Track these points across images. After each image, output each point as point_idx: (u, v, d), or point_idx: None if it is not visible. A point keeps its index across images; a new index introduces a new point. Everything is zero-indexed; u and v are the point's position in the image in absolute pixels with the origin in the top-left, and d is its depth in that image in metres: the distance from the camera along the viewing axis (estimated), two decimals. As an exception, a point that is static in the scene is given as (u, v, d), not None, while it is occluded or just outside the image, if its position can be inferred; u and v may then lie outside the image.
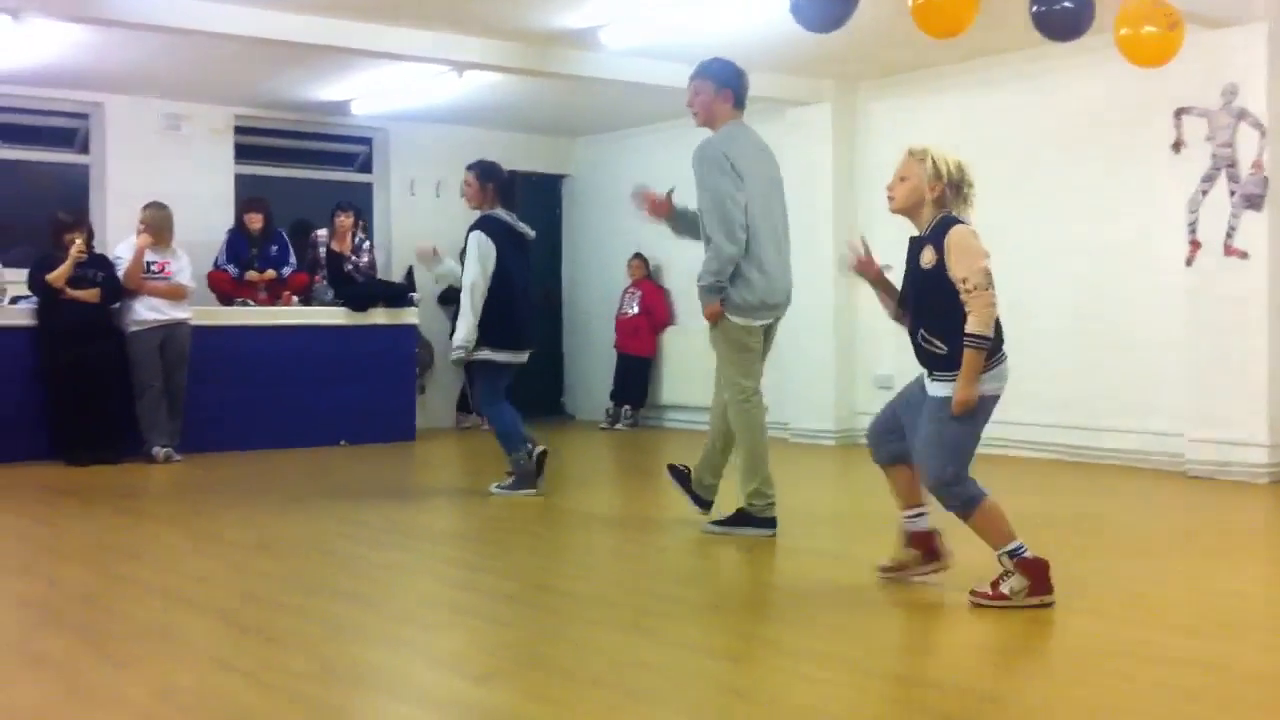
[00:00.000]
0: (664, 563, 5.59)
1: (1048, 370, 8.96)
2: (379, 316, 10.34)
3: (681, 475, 6.27)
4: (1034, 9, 6.24)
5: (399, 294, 10.66)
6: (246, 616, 4.42)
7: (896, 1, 6.01)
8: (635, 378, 11.87)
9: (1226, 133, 7.82)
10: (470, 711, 3.35)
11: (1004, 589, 4.36)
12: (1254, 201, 7.72)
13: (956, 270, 4.36)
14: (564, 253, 13.31)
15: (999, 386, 4.48)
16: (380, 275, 11.10)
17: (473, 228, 7.28)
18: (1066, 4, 6.19)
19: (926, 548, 4.75)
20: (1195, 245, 7.99)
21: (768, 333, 6.06)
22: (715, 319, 5.86)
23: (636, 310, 11.74)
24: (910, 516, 4.74)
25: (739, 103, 6.00)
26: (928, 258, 4.45)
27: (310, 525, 6.41)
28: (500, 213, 7.34)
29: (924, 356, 4.53)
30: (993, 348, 4.41)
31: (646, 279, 11.86)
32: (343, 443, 9.99)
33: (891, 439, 4.69)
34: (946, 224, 4.45)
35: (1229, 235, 7.82)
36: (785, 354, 10.63)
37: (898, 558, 4.80)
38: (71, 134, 10.84)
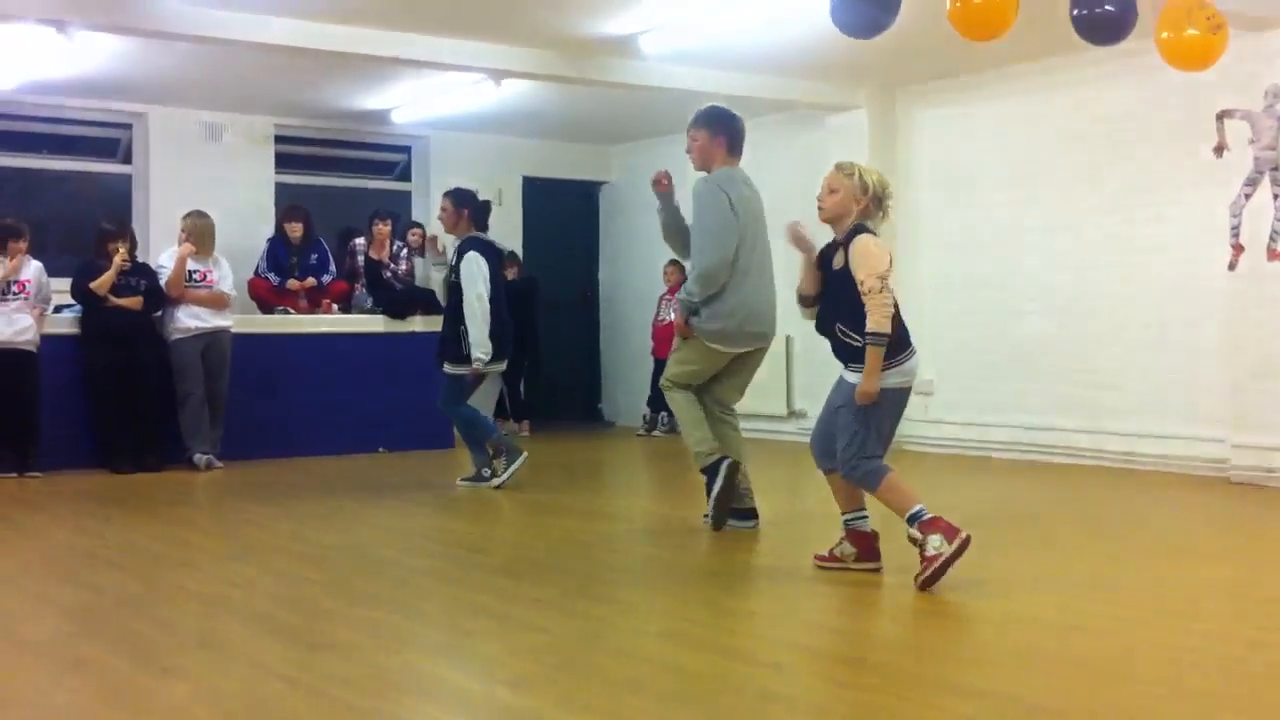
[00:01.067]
0: (700, 568, 5.59)
1: (1088, 375, 8.91)
2: (417, 324, 10.37)
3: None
4: (1075, 12, 6.19)
5: (437, 302, 10.69)
6: (289, 623, 4.45)
7: (934, 6, 5.99)
8: (673, 384, 11.85)
9: (1269, 135, 7.74)
10: (510, 717, 3.36)
11: (929, 551, 4.66)
12: (1298, 205, 7.64)
13: (857, 273, 4.82)
14: (601, 259, 13.33)
15: (906, 381, 4.95)
16: (419, 283, 11.13)
17: (462, 250, 7.72)
18: (1109, 7, 6.14)
19: (864, 546, 5.09)
20: (1238, 249, 7.92)
21: (748, 361, 6.32)
22: (683, 334, 6.18)
23: (674, 316, 11.72)
24: (852, 519, 5.09)
25: (733, 148, 6.29)
26: (839, 260, 4.94)
27: (351, 532, 6.45)
28: (479, 235, 7.84)
29: (842, 350, 5.00)
30: (897, 345, 4.86)
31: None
32: (382, 450, 10.04)
33: (831, 449, 5.04)
34: (857, 231, 4.89)
35: (1272, 239, 7.75)
36: (822, 361, 10.59)
37: (835, 550, 5.14)
38: (114, 144, 10.96)
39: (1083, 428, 8.88)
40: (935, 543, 4.64)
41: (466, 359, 7.59)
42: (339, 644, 4.11)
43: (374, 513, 7.08)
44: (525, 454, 7.75)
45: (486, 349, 7.56)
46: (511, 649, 4.11)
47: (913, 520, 4.72)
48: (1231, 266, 7.96)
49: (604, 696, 3.48)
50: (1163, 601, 4.71)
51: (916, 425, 9.59)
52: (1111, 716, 3.28)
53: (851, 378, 4.93)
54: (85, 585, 5.19)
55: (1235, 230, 7.93)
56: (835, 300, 4.98)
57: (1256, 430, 7.76)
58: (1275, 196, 7.73)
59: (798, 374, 11.06)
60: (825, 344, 9.56)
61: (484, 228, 7.98)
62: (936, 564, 4.60)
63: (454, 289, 7.71)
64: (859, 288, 4.79)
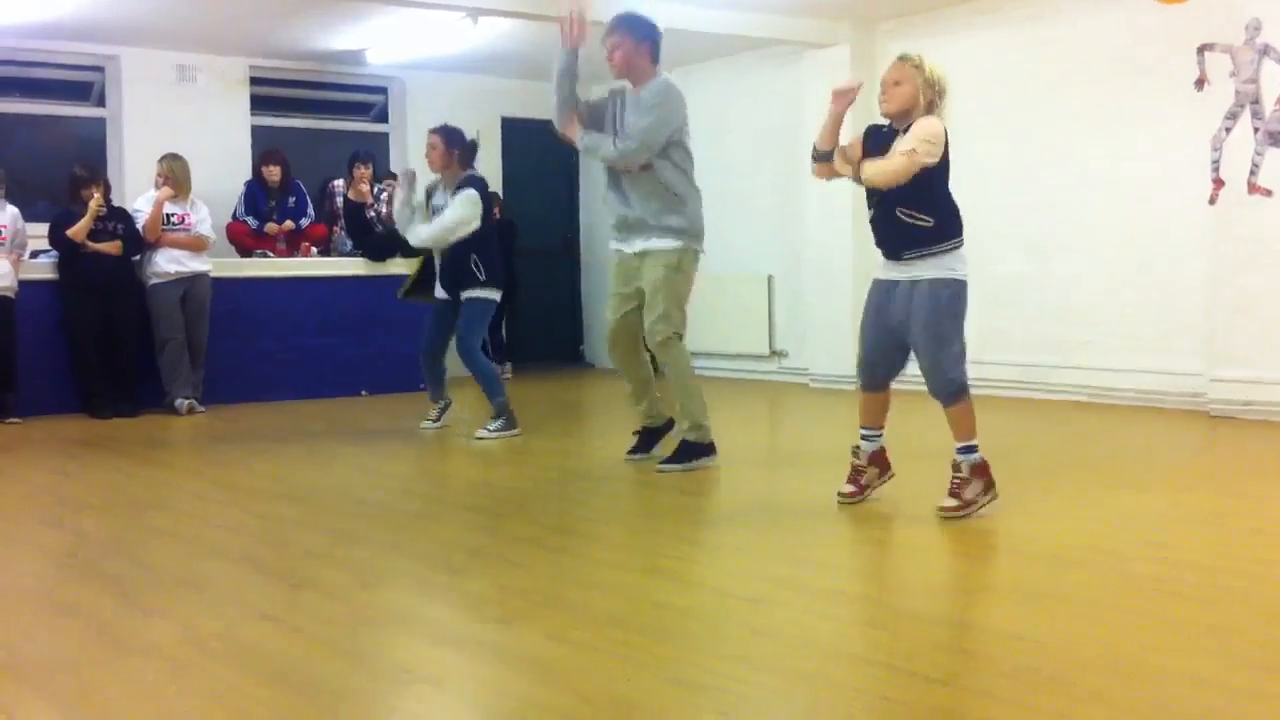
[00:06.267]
0: (681, 506, 5.60)
1: (1068, 310, 8.93)
2: (397, 266, 10.32)
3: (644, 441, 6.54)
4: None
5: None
6: (273, 564, 4.46)
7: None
8: (654, 325, 11.84)
9: (1250, 69, 7.72)
10: (494, 653, 3.38)
11: (967, 495, 4.81)
12: (1278, 139, 7.64)
13: (909, 141, 4.70)
14: (580, 200, 13.27)
15: (966, 270, 4.93)
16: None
17: (462, 185, 7.59)
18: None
19: (881, 462, 5.20)
20: (1218, 183, 7.92)
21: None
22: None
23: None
24: (872, 436, 5.14)
25: (656, 55, 6.25)
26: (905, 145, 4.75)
27: (334, 474, 6.45)
28: (479, 175, 7.76)
29: (901, 236, 4.86)
30: (954, 230, 4.88)
31: (664, 225, 11.80)
32: (364, 393, 10.04)
33: (884, 365, 5.05)
34: (927, 113, 4.80)
35: (1252, 173, 7.75)
36: (804, 299, 10.62)
37: (859, 481, 5.17)
38: (87, 87, 10.83)
39: (1062, 363, 8.91)
40: (976, 489, 4.82)
41: (487, 283, 7.54)
42: (322, 583, 4.12)
43: (356, 455, 7.08)
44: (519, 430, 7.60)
45: (415, 238, 7.64)
46: (496, 586, 4.12)
47: (968, 452, 4.84)
48: (1212, 201, 7.97)
49: (589, 632, 3.50)
50: (1143, 532, 4.74)
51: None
52: (1091, 646, 3.30)
53: (920, 269, 4.84)
54: (67, 529, 5.19)
55: (1215, 164, 7.93)
56: (894, 188, 4.83)
57: (1235, 364, 7.79)
58: (1255, 130, 7.72)
59: (779, 314, 11.07)
60: (805, 283, 9.56)
61: (472, 166, 7.83)
62: (969, 509, 4.79)
63: None
64: (909, 142, 4.69)
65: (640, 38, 6.18)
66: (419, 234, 7.60)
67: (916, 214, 4.82)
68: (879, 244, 4.99)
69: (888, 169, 4.73)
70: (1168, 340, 8.35)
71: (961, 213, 4.93)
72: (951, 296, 4.86)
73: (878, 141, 4.91)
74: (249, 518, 5.36)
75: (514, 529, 5.02)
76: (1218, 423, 7.68)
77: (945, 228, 4.86)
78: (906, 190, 4.79)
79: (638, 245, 6.17)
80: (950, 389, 4.86)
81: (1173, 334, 8.32)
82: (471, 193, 7.53)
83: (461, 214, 7.48)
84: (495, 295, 7.69)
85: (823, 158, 5.02)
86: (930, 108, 4.81)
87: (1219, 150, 7.89)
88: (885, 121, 4.95)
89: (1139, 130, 8.51)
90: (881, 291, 4.99)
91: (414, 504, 5.72)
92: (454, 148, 7.67)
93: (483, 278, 7.55)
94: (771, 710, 2.90)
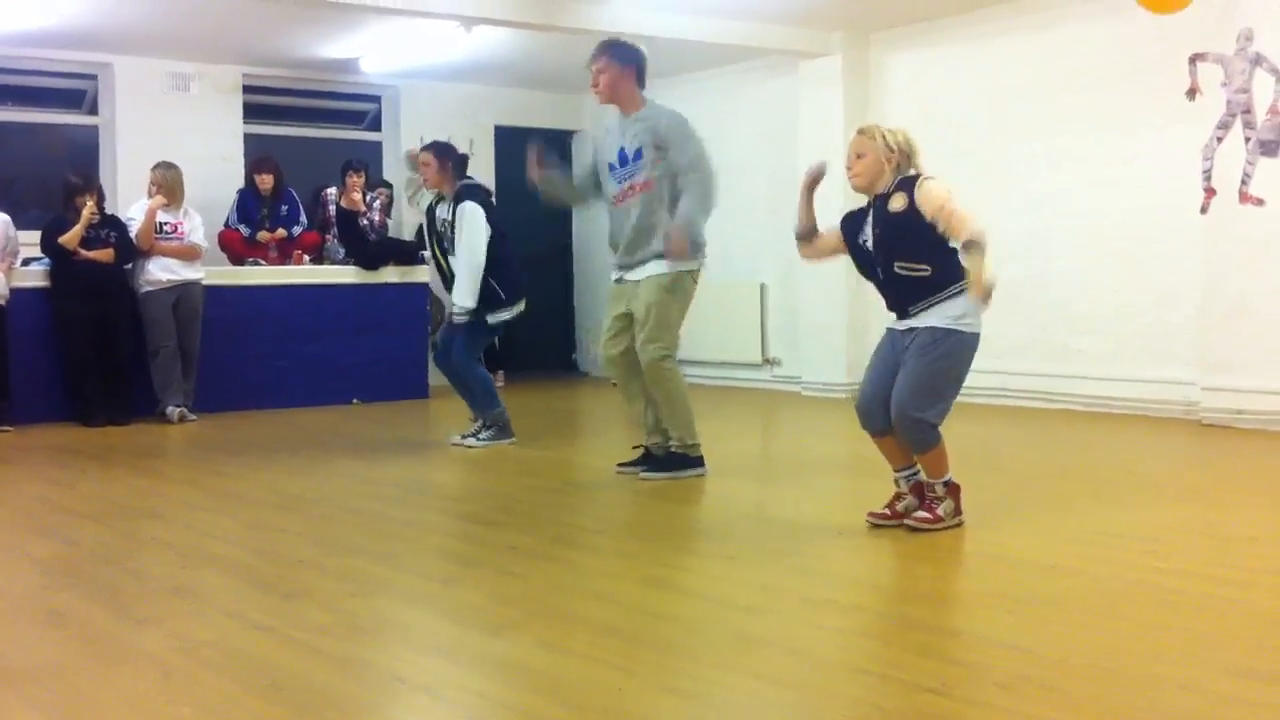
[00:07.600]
0: (675, 515, 5.61)
1: (1059, 319, 8.94)
2: (390, 275, 10.34)
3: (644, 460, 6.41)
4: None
5: (410, 252, 10.65)
6: (265, 573, 4.45)
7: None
8: (647, 333, 11.83)
9: (1242, 78, 7.74)
10: (488, 662, 3.37)
11: (940, 511, 4.80)
12: (1269, 148, 7.66)
13: (929, 207, 4.59)
14: (574, 209, 13.26)
15: (977, 321, 4.78)
16: (391, 234, 11.09)
17: (458, 198, 7.47)
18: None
19: (923, 494, 4.98)
20: (1210, 192, 7.94)
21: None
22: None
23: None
24: (909, 474, 4.96)
25: (641, 79, 6.30)
26: (898, 203, 4.71)
27: (326, 482, 6.44)
28: (476, 183, 7.67)
29: (905, 290, 4.79)
30: (957, 273, 4.68)
31: (657, 234, 11.80)
32: (356, 401, 10.02)
33: (884, 409, 4.86)
34: (915, 178, 4.74)
35: (1244, 182, 7.77)
36: (797, 308, 10.63)
37: (898, 507, 4.98)
38: (80, 95, 10.82)
39: (1055, 371, 8.91)
40: (949, 508, 4.82)
41: (493, 310, 7.45)
42: (315, 592, 4.11)
43: (349, 463, 7.07)
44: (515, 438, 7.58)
45: (469, 302, 7.33)
46: (489, 595, 4.12)
47: (942, 483, 4.84)
48: (1203, 210, 7.99)
49: (582, 641, 3.49)
50: (1137, 541, 4.74)
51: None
52: (1086, 654, 3.30)
53: (922, 319, 4.75)
54: (59, 537, 5.17)
55: (1207, 173, 7.94)
56: (891, 242, 4.78)
57: (1227, 373, 7.81)
58: (1247, 140, 7.74)
59: (771, 322, 11.07)
60: (799, 292, 9.58)
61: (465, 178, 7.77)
62: (937, 525, 4.77)
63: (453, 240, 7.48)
64: (939, 213, 4.53)
65: (625, 63, 6.21)
66: (461, 291, 7.37)
67: (912, 265, 4.75)
68: (888, 306, 4.96)
69: (965, 223, 4.53)
70: (1160, 349, 8.36)
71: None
72: (952, 347, 4.72)
73: (854, 225, 4.93)
74: (241, 526, 5.35)
75: (507, 538, 5.02)
76: (1209, 432, 7.69)
77: (945, 273, 4.71)
78: (898, 244, 4.77)
79: (635, 273, 6.17)
80: (923, 436, 4.74)
81: (1165, 343, 8.33)
82: (466, 206, 7.40)
83: (470, 241, 7.34)
84: (501, 315, 7.56)
85: (804, 236, 5.11)
86: (899, 170, 4.78)
87: (1210, 159, 7.91)
88: (860, 203, 4.94)
89: (1131, 139, 8.52)
90: (890, 339, 4.93)
91: (408, 513, 5.71)
92: (447, 160, 7.59)
93: (504, 298, 7.47)
94: (764, 719, 2.90)
